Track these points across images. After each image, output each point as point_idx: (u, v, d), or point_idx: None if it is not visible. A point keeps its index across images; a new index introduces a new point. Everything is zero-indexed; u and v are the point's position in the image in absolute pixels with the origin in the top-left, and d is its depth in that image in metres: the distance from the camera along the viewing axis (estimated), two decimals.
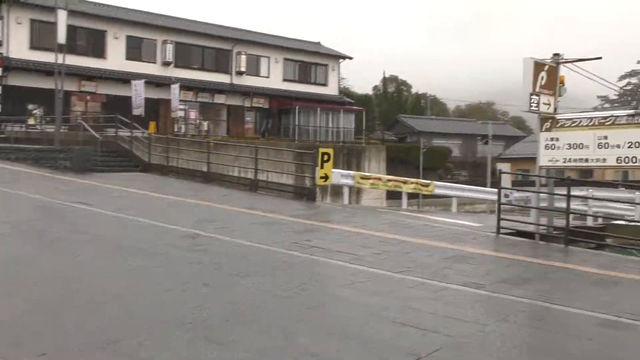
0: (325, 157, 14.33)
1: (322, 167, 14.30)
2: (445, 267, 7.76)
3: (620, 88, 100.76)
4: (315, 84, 41.37)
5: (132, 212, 10.33)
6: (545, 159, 11.05)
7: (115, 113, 26.34)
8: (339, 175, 15.17)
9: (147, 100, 29.74)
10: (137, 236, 8.45)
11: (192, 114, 34.41)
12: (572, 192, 14.77)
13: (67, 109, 31.95)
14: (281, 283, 6.23)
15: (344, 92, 50.00)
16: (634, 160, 10.05)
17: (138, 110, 28.96)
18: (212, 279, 6.27)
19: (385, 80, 71.47)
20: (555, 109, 11.44)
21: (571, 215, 13.33)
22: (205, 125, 34.52)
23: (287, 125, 38.30)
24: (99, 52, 33.35)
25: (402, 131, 57.57)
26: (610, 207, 17.66)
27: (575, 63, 11.95)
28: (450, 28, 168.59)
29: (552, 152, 10.93)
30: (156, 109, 33.14)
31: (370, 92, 76.17)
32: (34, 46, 31.05)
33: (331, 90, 42.26)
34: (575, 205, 14.47)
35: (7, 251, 7.15)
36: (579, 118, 10.95)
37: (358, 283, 6.52)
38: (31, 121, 28.94)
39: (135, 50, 34.55)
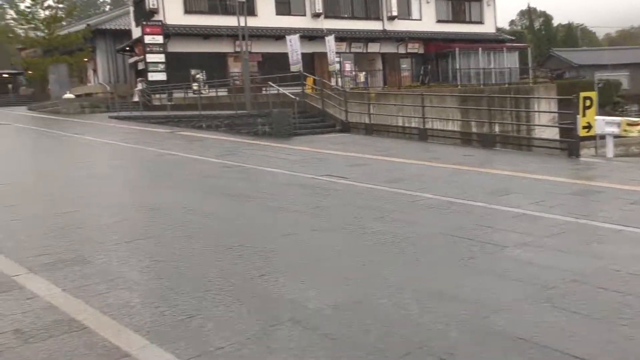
0: (587, 103, 11.83)
1: (584, 115, 11.84)
2: None
3: None
4: (470, 22, 37.91)
5: (414, 187, 8.36)
6: None
7: (272, 71, 25.18)
8: (602, 123, 12.62)
9: (302, 55, 28.22)
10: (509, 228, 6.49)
11: (347, 66, 32.51)
12: None
13: (225, 72, 31.34)
14: None
15: None
16: None
17: (296, 66, 27.38)
18: None
19: (529, 13, 65.76)
20: None
21: None
22: (361, 76, 32.54)
23: (445, 70, 35.47)
24: (250, 10, 32.17)
25: (557, 66, 52.55)
26: None
27: None
28: None
29: None
30: (311, 63, 31.68)
31: (506, 27, 70.86)
32: (187, 11, 30.52)
33: (488, 28, 38.61)
34: None
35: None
36: None
37: None
38: (195, 87, 28.38)
39: (284, 4, 33.14)
